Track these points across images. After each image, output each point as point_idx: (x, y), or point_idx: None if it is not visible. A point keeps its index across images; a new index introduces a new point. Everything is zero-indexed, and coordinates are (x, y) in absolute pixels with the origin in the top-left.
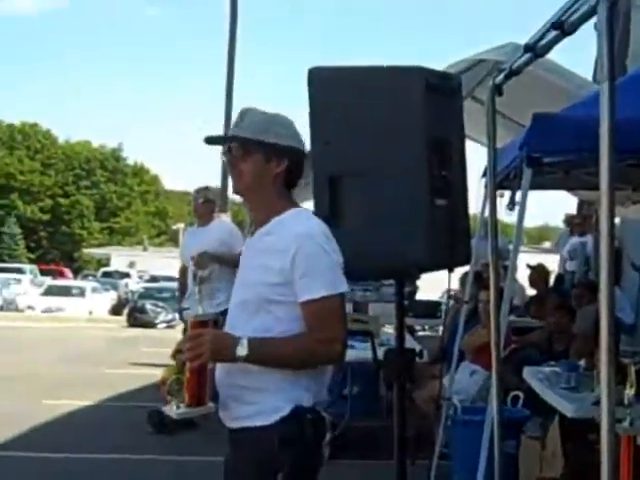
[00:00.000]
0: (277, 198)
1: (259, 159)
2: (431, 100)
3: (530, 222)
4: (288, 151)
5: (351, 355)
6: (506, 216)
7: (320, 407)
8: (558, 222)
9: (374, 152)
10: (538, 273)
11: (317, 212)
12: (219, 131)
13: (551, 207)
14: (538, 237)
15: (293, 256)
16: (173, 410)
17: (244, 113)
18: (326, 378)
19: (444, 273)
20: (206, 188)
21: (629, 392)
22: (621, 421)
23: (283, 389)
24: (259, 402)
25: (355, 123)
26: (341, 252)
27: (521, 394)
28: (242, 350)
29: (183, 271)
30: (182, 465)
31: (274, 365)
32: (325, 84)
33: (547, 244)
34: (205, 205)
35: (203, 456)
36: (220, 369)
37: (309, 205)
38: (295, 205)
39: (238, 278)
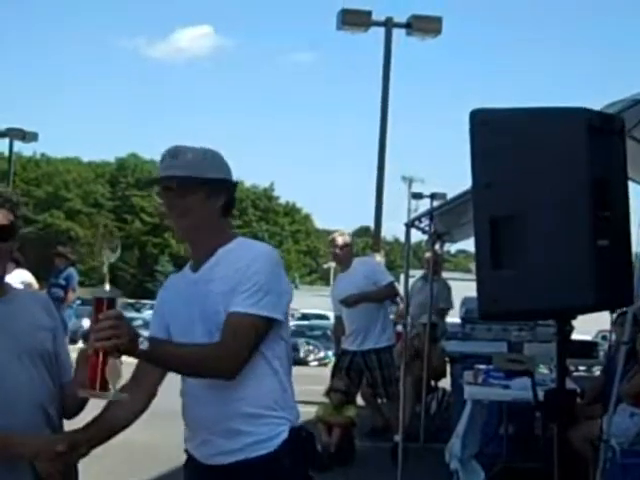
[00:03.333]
0: (221, 231)
1: (200, 196)
2: (593, 141)
3: None
4: (225, 184)
5: (507, 395)
6: None
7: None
8: None
9: (535, 193)
10: None
11: (478, 252)
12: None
13: None
14: None
15: (245, 271)
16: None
17: (176, 152)
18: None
19: (597, 315)
20: (342, 234)
21: None
22: None
23: (274, 413)
24: (253, 431)
25: (516, 165)
26: (503, 292)
27: None
28: (144, 345)
29: (338, 320)
30: None
31: (171, 365)
32: (488, 125)
33: None
34: (343, 250)
35: None
36: (199, 406)
37: (470, 245)
38: (236, 234)
39: (189, 315)
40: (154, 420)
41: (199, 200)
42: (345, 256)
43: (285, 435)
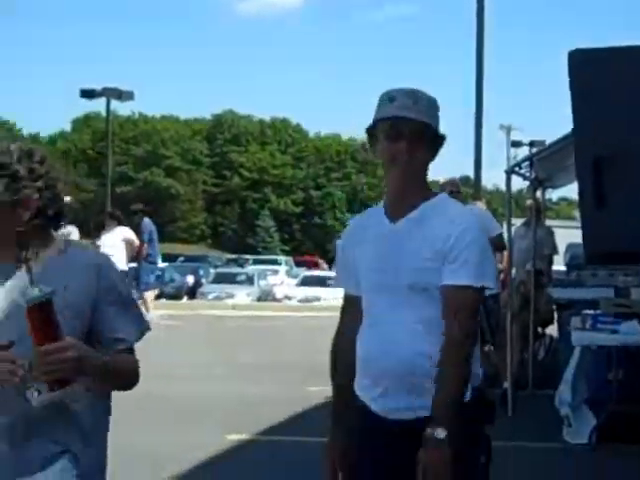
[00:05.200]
0: (427, 185)
1: (427, 146)
2: None
3: None
4: (442, 140)
5: (615, 339)
6: None
7: None
8: None
9: (638, 131)
10: None
11: (581, 194)
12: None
13: None
14: None
15: (461, 238)
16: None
17: (414, 94)
18: None
19: None
20: (451, 181)
21: None
22: None
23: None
24: (422, 392)
25: (618, 103)
26: (608, 232)
27: None
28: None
29: None
30: None
31: None
32: (589, 65)
33: None
34: (455, 196)
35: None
36: (396, 358)
37: (572, 192)
38: (437, 192)
39: (385, 267)
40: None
41: (424, 150)
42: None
43: (468, 396)
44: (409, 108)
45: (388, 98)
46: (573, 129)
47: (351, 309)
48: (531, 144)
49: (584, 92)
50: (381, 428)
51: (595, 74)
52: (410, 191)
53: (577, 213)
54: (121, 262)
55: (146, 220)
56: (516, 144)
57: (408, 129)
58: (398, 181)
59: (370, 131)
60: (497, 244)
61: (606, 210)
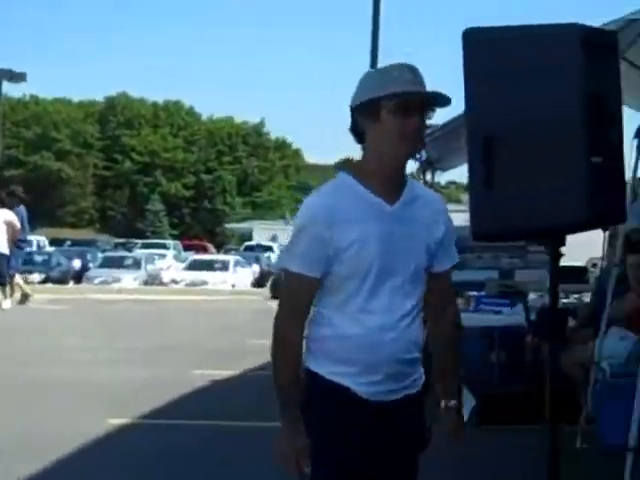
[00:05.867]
0: None
1: None
2: (588, 57)
3: None
4: None
5: (499, 320)
6: None
7: None
8: None
9: (530, 111)
10: None
11: (471, 173)
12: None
13: None
14: None
15: (447, 220)
16: None
17: (414, 69)
18: None
19: (587, 242)
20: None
21: None
22: None
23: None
24: (416, 371)
25: (510, 83)
26: (497, 211)
27: None
28: None
29: None
30: None
31: None
32: (481, 45)
33: None
34: None
35: None
36: (396, 345)
37: (460, 176)
38: None
39: (396, 250)
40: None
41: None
42: None
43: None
44: (422, 84)
45: (407, 70)
46: (465, 108)
47: (312, 297)
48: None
49: (476, 71)
50: (365, 411)
51: (488, 53)
52: (404, 169)
53: (465, 196)
54: (2, 244)
55: (21, 206)
56: None
57: (421, 104)
58: (405, 158)
59: (371, 102)
60: None
61: (494, 189)
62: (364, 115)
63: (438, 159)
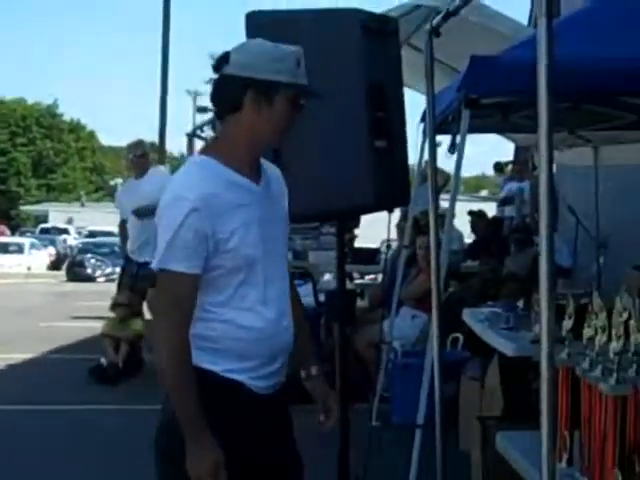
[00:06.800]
0: None
1: None
2: (368, 43)
3: (467, 172)
4: None
5: None
6: (443, 162)
7: None
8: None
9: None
10: (478, 218)
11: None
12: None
13: (488, 157)
14: (475, 186)
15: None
16: None
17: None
18: None
19: (381, 224)
20: (139, 142)
21: (567, 323)
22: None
23: None
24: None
25: None
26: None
27: (461, 336)
28: None
29: (123, 224)
30: (127, 414)
31: None
32: (263, 29)
33: (484, 192)
34: (140, 159)
35: (147, 405)
36: (290, 330)
37: None
38: None
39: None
40: None
41: None
42: (143, 165)
43: None
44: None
45: (301, 59)
46: None
47: (195, 294)
48: None
49: None
50: (257, 405)
51: (269, 37)
52: None
53: None
54: None
55: None
56: (202, 110)
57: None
58: (272, 146)
59: (270, 84)
60: None
61: (282, 172)
62: (256, 92)
63: None
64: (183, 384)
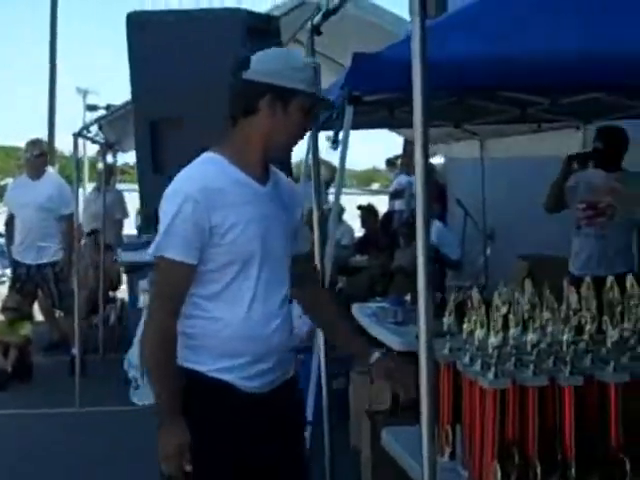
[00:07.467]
0: None
1: None
2: (250, 41)
3: (359, 166)
4: None
5: None
6: (332, 157)
7: None
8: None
9: (195, 98)
10: (368, 213)
11: (139, 157)
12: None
13: (379, 152)
14: (367, 179)
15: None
16: None
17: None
18: None
19: None
20: (38, 141)
21: (447, 319)
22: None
23: None
24: (292, 357)
25: (175, 68)
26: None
27: None
28: None
29: (10, 220)
30: (19, 418)
31: None
32: (145, 28)
33: (375, 185)
34: (39, 158)
35: (40, 408)
36: (282, 333)
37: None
38: None
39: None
40: None
41: None
42: (40, 165)
43: None
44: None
45: (318, 69)
46: (131, 92)
47: (188, 283)
48: (108, 108)
49: (140, 55)
50: (249, 405)
51: (151, 37)
52: None
53: None
54: None
55: None
56: (92, 108)
57: None
58: (287, 152)
59: (287, 91)
60: (68, 224)
61: (161, 173)
62: (273, 98)
63: (117, 141)
64: (162, 365)
